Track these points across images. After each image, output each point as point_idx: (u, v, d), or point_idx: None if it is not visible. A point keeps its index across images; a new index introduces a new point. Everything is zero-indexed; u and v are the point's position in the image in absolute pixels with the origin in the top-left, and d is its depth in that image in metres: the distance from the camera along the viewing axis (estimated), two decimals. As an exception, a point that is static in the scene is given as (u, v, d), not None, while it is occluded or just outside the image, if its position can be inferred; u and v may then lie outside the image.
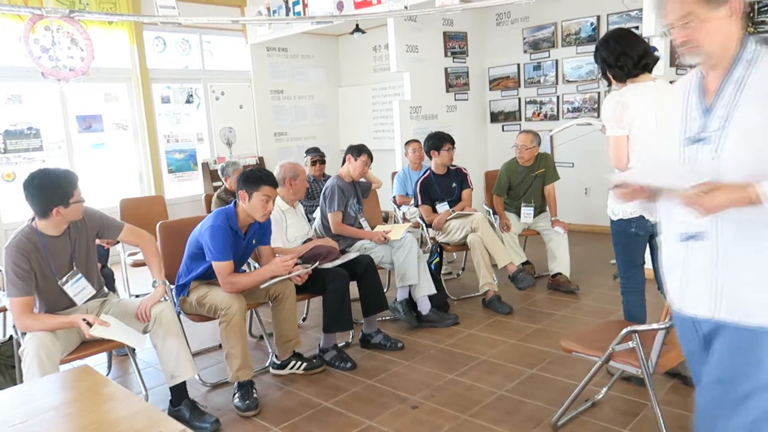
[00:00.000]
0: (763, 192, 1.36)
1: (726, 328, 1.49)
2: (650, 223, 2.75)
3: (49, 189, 2.59)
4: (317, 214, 4.26)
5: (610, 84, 2.81)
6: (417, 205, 4.75)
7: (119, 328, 2.67)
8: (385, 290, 3.95)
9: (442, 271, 4.62)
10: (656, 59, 2.81)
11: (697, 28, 1.46)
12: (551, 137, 6.76)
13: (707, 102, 1.52)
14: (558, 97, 6.81)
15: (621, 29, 2.87)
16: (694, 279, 1.55)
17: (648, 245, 2.91)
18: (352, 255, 3.70)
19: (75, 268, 2.78)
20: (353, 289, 3.58)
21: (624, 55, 2.66)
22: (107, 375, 3.41)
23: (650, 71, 2.73)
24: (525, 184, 4.80)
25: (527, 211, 4.75)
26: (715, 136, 1.48)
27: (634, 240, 2.82)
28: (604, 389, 2.83)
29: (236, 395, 2.99)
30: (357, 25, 6.77)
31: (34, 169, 2.67)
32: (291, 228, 3.73)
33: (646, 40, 3.31)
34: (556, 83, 6.79)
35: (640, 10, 4.98)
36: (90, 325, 2.55)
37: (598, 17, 6.29)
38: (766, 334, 1.43)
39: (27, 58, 4.84)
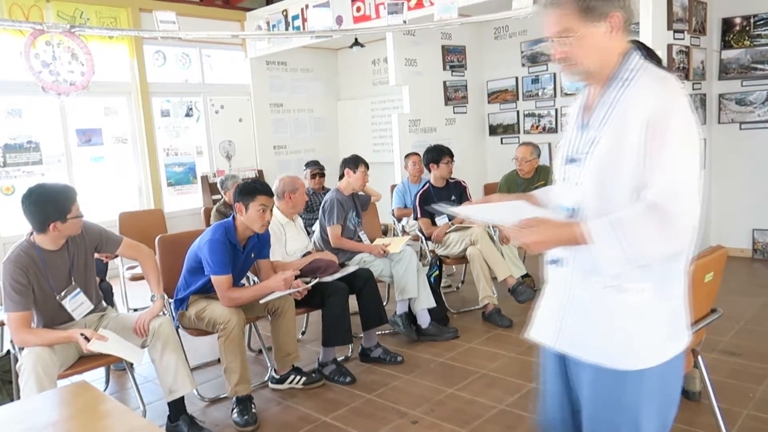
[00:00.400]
0: (587, 232, 1.31)
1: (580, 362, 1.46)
2: None
3: (47, 204, 2.58)
4: (316, 227, 4.26)
5: None
6: (416, 218, 4.75)
7: (117, 343, 2.65)
8: (384, 303, 3.93)
9: (442, 284, 4.60)
10: (679, 70, 2.82)
11: (575, 45, 1.37)
12: (550, 149, 6.79)
13: (584, 120, 1.45)
14: (556, 109, 6.83)
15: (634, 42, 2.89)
16: (546, 303, 1.53)
17: None
18: (351, 268, 3.69)
19: (73, 283, 2.77)
20: (352, 302, 3.56)
21: None
22: (105, 390, 3.39)
23: None
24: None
25: (527, 224, 4.74)
26: (584, 158, 1.41)
27: None
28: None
29: (235, 410, 2.97)
30: (356, 39, 6.81)
31: (33, 184, 2.67)
32: (290, 241, 3.73)
33: None
34: (555, 96, 6.82)
35: (637, 24, 5.01)
36: (88, 339, 2.54)
37: (596, 31, 6.34)
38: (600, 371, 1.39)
39: (27, 73, 4.86)
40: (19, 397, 2.63)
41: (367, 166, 4.15)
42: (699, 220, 1.31)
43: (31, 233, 2.68)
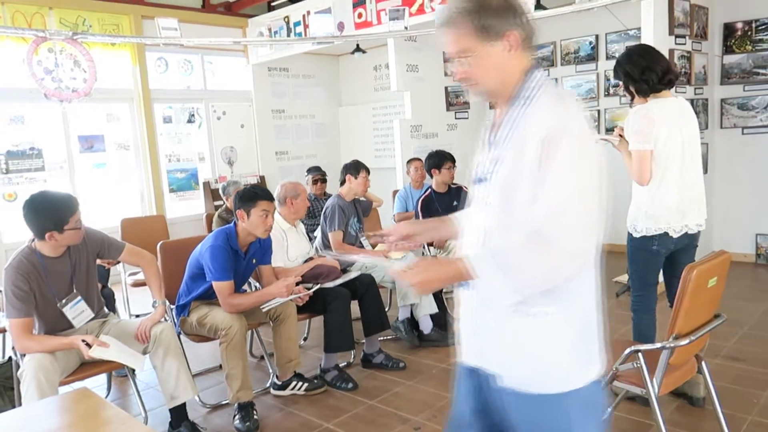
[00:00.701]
0: (471, 266, 1.28)
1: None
2: (672, 242, 2.73)
3: (45, 213, 2.58)
4: (318, 233, 4.26)
5: (633, 99, 2.81)
6: (418, 224, 4.74)
7: (119, 349, 2.65)
8: (386, 309, 3.92)
9: (444, 290, 4.59)
10: (678, 75, 2.82)
11: (474, 65, 1.34)
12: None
13: (491, 139, 1.41)
14: (558, 115, 6.83)
15: (643, 45, 2.90)
16: (463, 326, 1.49)
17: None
18: (353, 274, 3.68)
19: (74, 291, 2.76)
20: (354, 308, 3.56)
21: (648, 70, 2.67)
22: (107, 396, 3.38)
23: (672, 87, 2.74)
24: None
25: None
26: (489, 177, 1.38)
27: (653, 258, 2.79)
28: (609, 409, 2.80)
29: (237, 417, 2.96)
30: (357, 45, 6.83)
31: (36, 190, 2.67)
32: (292, 247, 3.72)
33: None
34: (556, 101, 6.82)
35: (638, 29, 5.02)
36: (89, 346, 2.53)
37: (597, 36, 6.34)
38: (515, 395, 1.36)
39: (30, 80, 4.88)
40: (20, 404, 2.62)
41: (368, 171, 4.15)
42: (593, 241, 1.26)
43: (33, 239, 2.68)
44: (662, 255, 2.78)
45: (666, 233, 2.70)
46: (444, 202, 4.66)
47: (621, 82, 2.82)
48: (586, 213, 1.25)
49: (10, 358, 3.13)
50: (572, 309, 1.34)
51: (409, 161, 5.57)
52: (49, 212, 2.58)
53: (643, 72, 2.68)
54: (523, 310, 1.32)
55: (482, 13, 1.31)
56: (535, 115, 1.31)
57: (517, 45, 1.34)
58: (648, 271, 2.84)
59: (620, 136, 2.84)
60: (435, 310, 3.95)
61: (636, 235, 2.79)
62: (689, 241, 2.80)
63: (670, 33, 4.86)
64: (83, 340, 2.54)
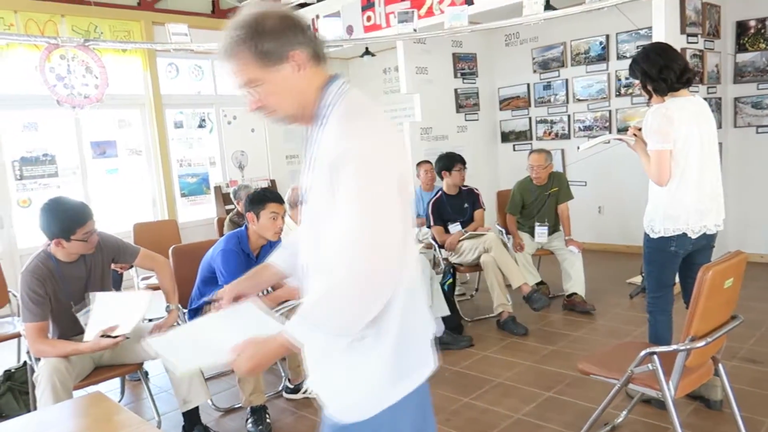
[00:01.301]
0: (293, 338, 1.17)
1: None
2: (690, 243, 2.70)
3: (55, 219, 2.61)
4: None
5: (650, 98, 2.79)
6: (429, 226, 4.73)
7: (124, 313, 2.66)
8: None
9: (456, 293, 4.58)
10: (695, 74, 2.79)
11: (265, 93, 1.26)
12: (563, 156, 6.75)
13: (306, 161, 1.33)
14: (569, 116, 6.79)
15: (660, 43, 2.86)
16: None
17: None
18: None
19: (88, 297, 2.78)
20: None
21: (666, 68, 2.64)
22: (120, 400, 3.40)
23: (690, 85, 2.71)
24: (538, 202, 4.76)
25: (541, 231, 4.71)
26: (306, 201, 1.29)
27: (671, 259, 2.76)
28: (624, 412, 2.77)
29: (249, 420, 2.96)
30: (367, 49, 6.84)
31: (54, 196, 2.71)
32: (303, 250, 3.72)
33: None
34: (567, 102, 6.79)
35: (650, 28, 4.98)
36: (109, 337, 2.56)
37: (607, 36, 6.30)
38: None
39: (43, 87, 4.93)
40: (35, 408, 2.64)
41: None
42: (398, 261, 1.18)
43: (49, 243, 2.70)
44: (680, 256, 2.75)
45: (684, 234, 2.67)
46: (455, 204, 4.65)
47: (637, 81, 2.78)
48: (385, 237, 1.16)
49: (25, 363, 3.16)
50: (382, 327, 1.25)
51: (419, 164, 5.57)
52: (59, 219, 2.61)
53: (661, 70, 2.65)
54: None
55: (258, 39, 1.23)
56: (324, 138, 1.24)
57: (306, 63, 1.26)
58: (665, 272, 2.81)
59: (635, 135, 2.81)
60: (447, 312, 3.93)
61: (653, 235, 2.75)
62: (707, 241, 2.77)
63: (682, 32, 4.82)
64: (104, 335, 2.56)
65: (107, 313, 2.66)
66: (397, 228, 1.18)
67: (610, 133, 6.36)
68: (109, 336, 2.55)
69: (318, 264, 1.28)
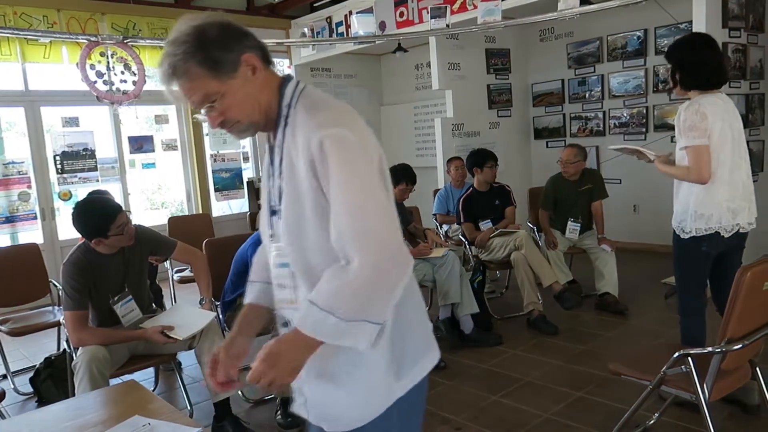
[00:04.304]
0: (307, 333, 1.14)
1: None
2: (723, 242, 2.63)
3: (88, 224, 2.72)
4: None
5: (673, 87, 2.72)
6: (460, 223, 4.71)
7: (185, 321, 2.78)
8: (427, 308, 3.91)
9: (485, 290, 4.55)
10: (727, 78, 2.73)
11: (225, 105, 1.19)
12: (597, 153, 6.63)
13: (273, 167, 1.26)
14: (604, 112, 6.67)
15: (708, 36, 2.77)
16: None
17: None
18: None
19: (126, 290, 2.86)
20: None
21: (704, 65, 2.58)
22: (154, 389, 3.48)
23: (720, 88, 2.65)
24: (571, 199, 4.69)
25: (573, 227, 4.63)
26: (280, 211, 1.25)
27: (702, 259, 2.69)
28: (656, 415, 2.72)
29: (279, 412, 3.00)
30: (399, 44, 6.82)
31: (83, 197, 2.82)
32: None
33: None
34: (602, 98, 6.66)
35: (690, 22, 4.84)
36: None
37: (645, 31, 6.16)
38: None
39: (83, 83, 5.07)
40: (73, 395, 2.73)
41: (411, 181, 4.09)
42: (401, 239, 1.16)
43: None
44: (712, 256, 2.67)
45: (717, 233, 2.60)
46: (485, 201, 4.62)
47: (669, 66, 2.72)
48: (388, 216, 1.15)
49: (64, 351, 3.27)
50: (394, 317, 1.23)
51: (450, 160, 5.54)
52: (90, 222, 2.72)
53: (697, 66, 2.58)
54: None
55: (206, 50, 1.16)
56: (296, 136, 1.19)
57: (258, 65, 1.21)
58: (696, 272, 2.74)
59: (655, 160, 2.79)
60: (476, 310, 3.91)
61: (684, 236, 2.68)
62: (738, 241, 2.69)
63: (724, 26, 4.67)
64: (162, 332, 2.68)
65: (173, 316, 2.80)
66: (392, 206, 1.19)
67: (646, 131, 6.23)
68: (164, 334, 2.67)
69: (309, 267, 1.24)
